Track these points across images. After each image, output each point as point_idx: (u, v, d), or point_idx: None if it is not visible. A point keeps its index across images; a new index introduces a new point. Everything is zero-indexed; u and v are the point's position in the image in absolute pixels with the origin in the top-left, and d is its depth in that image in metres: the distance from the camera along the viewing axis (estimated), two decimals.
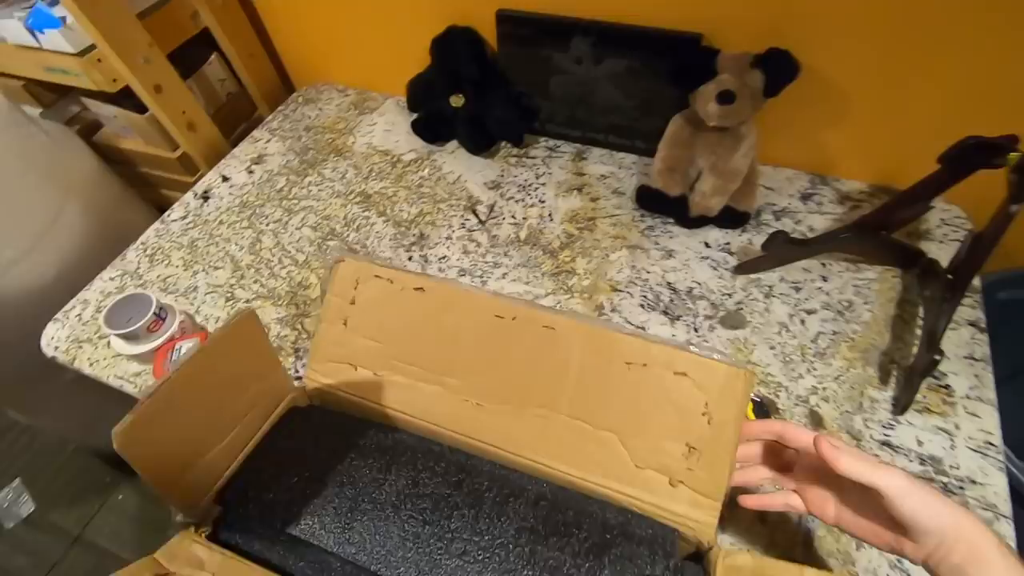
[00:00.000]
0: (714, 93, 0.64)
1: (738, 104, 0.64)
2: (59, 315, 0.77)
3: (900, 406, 0.56)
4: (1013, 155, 0.48)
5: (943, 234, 0.72)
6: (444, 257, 0.78)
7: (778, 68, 0.64)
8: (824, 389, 0.60)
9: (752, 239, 0.74)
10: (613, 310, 0.69)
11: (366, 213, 0.85)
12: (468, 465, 0.45)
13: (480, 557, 0.39)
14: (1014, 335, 0.71)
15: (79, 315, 0.77)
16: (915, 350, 0.61)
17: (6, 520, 1.39)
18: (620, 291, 0.71)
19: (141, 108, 0.91)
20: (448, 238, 0.80)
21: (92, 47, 0.79)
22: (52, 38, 0.77)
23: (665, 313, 0.68)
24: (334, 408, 0.50)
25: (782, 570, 0.35)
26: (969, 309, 0.64)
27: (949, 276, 0.57)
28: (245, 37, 1.02)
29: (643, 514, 0.41)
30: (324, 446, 0.46)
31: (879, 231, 0.61)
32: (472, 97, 0.88)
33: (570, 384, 0.43)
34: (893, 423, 0.57)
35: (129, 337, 0.68)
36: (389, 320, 0.48)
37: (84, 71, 0.80)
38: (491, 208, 0.83)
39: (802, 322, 0.66)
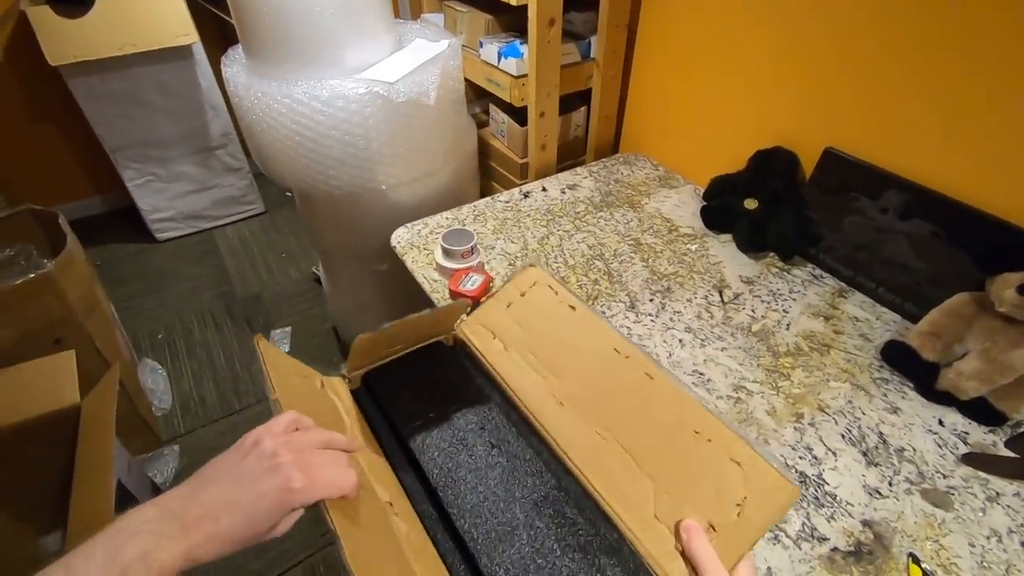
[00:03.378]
0: (1018, 282, 0.65)
1: None
2: (408, 225, 1.12)
3: None
4: None
5: None
6: (678, 312, 0.90)
7: None
8: None
9: (997, 443, 0.70)
10: (811, 424, 0.72)
11: (632, 254, 1.03)
12: (524, 438, 0.52)
13: (497, 505, 0.47)
14: None
15: (419, 230, 1.10)
16: None
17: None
18: (826, 413, 0.74)
19: (522, 122, 1.26)
20: (689, 300, 0.92)
21: (524, 75, 1.16)
22: (507, 63, 1.15)
23: (864, 454, 0.69)
24: (464, 354, 0.61)
25: None
26: None
27: None
28: (609, 104, 1.33)
29: (636, 552, 0.42)
30: (441, 375, 0.59)
31: None
32: (765, 205, 1.00)
33: (639, 424, 0.47)
34: None
35: (449, 253, 0.96)
36: (538, 317, 0.57)
37: (509, 88, 1.17)
38: (736, 295, 0.93)
39: (1022, 543, 0.60)
